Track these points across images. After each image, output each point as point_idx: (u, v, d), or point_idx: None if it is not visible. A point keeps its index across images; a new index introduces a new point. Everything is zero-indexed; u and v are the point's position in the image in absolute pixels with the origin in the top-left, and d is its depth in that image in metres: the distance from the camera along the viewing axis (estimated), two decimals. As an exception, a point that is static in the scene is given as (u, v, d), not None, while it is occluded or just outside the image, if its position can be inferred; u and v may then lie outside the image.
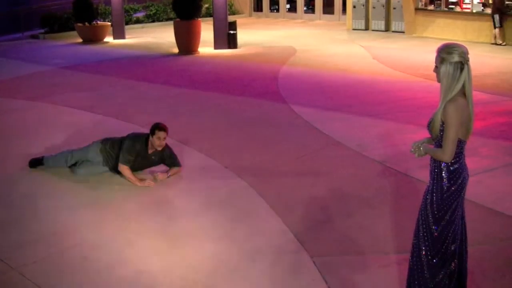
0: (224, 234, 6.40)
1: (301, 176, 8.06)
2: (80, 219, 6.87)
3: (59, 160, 8.42)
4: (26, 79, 15.98)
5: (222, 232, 6.45)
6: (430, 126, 4.36)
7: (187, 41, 20.01)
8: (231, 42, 20.68)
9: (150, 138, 7.82)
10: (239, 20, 26.00)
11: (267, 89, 13.75)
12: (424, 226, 4.44)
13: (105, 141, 8.23)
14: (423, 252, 4.46)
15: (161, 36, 24.71)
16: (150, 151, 7.95)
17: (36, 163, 8.54)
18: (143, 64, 18.15)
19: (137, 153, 7.88)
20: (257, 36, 24.28)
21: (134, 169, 8.02)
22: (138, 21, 29.41)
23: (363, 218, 6.70)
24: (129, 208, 7.19)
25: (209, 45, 20.85)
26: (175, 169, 8.14)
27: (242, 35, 22.43)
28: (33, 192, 7.74)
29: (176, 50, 20.44)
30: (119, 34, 24.43)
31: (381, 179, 7.90)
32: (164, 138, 7.82)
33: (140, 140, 7.91)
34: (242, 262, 5.77)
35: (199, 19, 20.42)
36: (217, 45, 20.67)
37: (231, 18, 22.18)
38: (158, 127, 7.78)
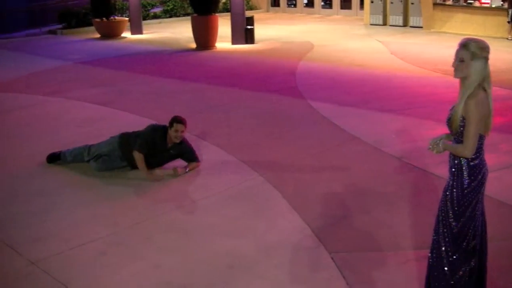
0: (242, 230, 6.38)
1: (319, 172, 8.03)
2: (96, 214, 6.89)
3: (76, 155, 8.45)
4: (43, 75, 16.05)
5: (239, 228, 6.43)
6: (449, 121, 4.30)
7: (204, 36, 20.01)
8: (249, 37, 20.64)
9: (169, 130, 7.87)
10: (257, 15, 25.98)
11: (285, 84, 13.72)
12: (444, 222, 4.39)
13: (123, 135, 8.25)
14: (443, 249, 4.41)
15: (178, 31, 24.73)
16: (168, 144, 7.96)
17: (54, 158, 8.57)
18: (160, 59, 18.17)
19: (155, 145, 7.90)
20: (275, 31, 24.22)
21: (153, 164, 8.04)
22: (155, 16, 29.45)
23: (381, 214, 6.66)
24: (146, 203, 7.19)
25: (226, 40, 20.83)
26: (193, 164, 8.16)
27: (260, 30, 22.40)
28: (49, 187, 7.76)
29: (193, 45, 20.44)
30: (136, 29, 24.48)
31: (399, 175, 7.85)
32: (182, 131, 7.87)
33: (159, 131, 7.95)
34: (259, 258, 5.75)
35: (217, 14, 20.41)
36: (234, 40, 20.64)
37: (248, 13, 22.16)
38: (176, 119, 7.86)
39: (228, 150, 9.00)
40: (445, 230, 4.39)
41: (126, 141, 8.11)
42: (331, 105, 11.56)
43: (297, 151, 8.89)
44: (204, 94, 13.06)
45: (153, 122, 10.12)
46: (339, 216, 6.64)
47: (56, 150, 8.83)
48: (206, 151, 9.00)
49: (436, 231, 4.48)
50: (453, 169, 4.34)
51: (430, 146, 4.47)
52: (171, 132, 7.84)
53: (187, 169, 8.06)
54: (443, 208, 4.40)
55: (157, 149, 7.95)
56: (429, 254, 4.57)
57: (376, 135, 9.55)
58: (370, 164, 8.31)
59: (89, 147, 8.40)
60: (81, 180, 8.03)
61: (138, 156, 7.89)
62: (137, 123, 9.76)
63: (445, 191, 4.41)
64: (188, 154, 8.16)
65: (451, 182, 4.37)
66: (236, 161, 8.56)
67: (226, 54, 18.79)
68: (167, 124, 7.95)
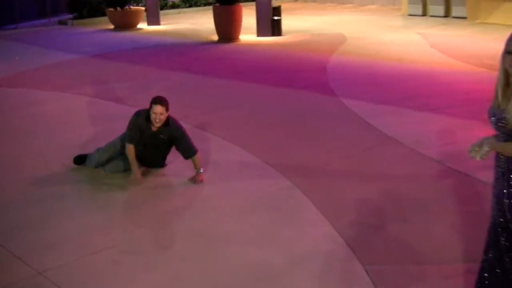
0: (267, 238, 6.38)
1: (352, 176, 8.00)
2: (111, 221, 6.92)
3: (91, 162, 8.49)
4: (53, 69, 16.18)
5: (265, 236, 6.43)
6: (502, 122, 4.15)
7: (227, 28, 20.04)
8: (275, 29, 20.63)
9: (150, 112, 7.85)
10: (284, 5, 25.97)
11: (315, 80, 13.70)
12: (505, 235, 4.27)
13: (123, 134, 8.31)
14: (509, 265, 4.28)
15: (199, 22, 24.80)
16: (154, 128, 7.91)
17: (80, 160, 8.60)
18: (180, 52, 18.23)
19: (141, 131, 7.92)
20: (304, 22, 24.20)
21: (149, 153, 8.09)
22: (174, 6, 29.57)
23: (420, 223, 6.61)
24: (164, 210, 7.21)
25: (251, 32, 20.84)
26: (195, 161, 8.03)
27: (287, 21, 22.38)
28: (60, 190, 7.82)
29: (215, 37, 20.48)
30: (153, 20, 24.58)
31: (440, 180, 7.80)
32: (162, 114, 7.77)
33: (142, 115, 7.96)
34: (287, 270, 5.74)
35: (241, 4, 20.42)
36: (260, 32, 20.65)
37: (275, 3, 22.12)
38: (153, 100, 7.82)
39: (253, 151, 9.01)
40: (508, 243, 4.27)
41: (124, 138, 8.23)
42: (366, 103, 11.52)
43: (328, 153, 8.87)
44: (227, 90, 13.09)
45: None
46: (374, 224, 6.61)
47: (66, 150, 8.90)
48: (229, 152, 9.02)
49: (494, 247, 4.32)
50: (509, 173, 4.18)
51: (472, 154, 4.28)
52: (152, 116, 7.79)
53: (201, 172, 8.01)
54: (501, 219, 4.24)
55: (145, 135, 7.95)
56: (486, 273, 4.42)
57: (415, 136, 9.50)
58: (408, 167, 8.26)
59: (99, 151, 8.46)
60: (95, 183, 8.08)
61: (129, 150, 7.98)
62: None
63: (498, 199, 4.25)
64: (182, 142, 8.02)
65: (506, 189, 4.19)
66: (261, 163, 8.55)
67: (250, 47, 18.80)
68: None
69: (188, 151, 8.05)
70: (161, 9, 26.56)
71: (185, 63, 16.42)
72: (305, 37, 20.32)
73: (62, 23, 26.19)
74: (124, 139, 8.16)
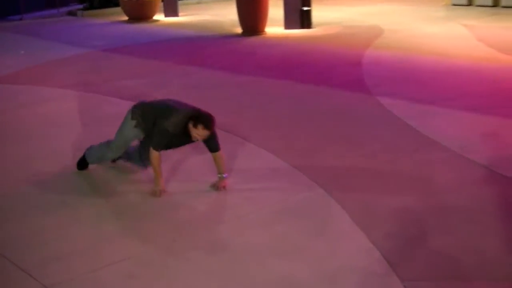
0: (296, 251, 6.38)
1: (390, 183, 7.99)
2: (125, 230, 6.97)
3: (101, 155, 8.52)
4: (61, 64, 16.31)
5: (293, 249, 6.44)
6: None
7: (252, 19, 20.07)
8: (305, 20, 20.63)
9: (189, 125, 7.52)
10: (314, -6, 25.96)
11: (349, 77, 13.69)
12: None
13: (135, 112, 8.04)
14: None
15: (221, 14, 24.87)
16: (191, 139, 7.74)
17: (83, 164, 8.66)
18: (200, 46, 18.30)
19: (176, 139, 7.76)
20: (336, 13, 24.19)
21: (170, 146, 7.95)
22: (193, -5, 29.71)
23: (465, 235, 6.58)
24: (183, 218, 7.24)
25: (278, 24, 20.86)
26: (219, 163, 7.91)
27: (318, 12, 22.38)
28: (70, 197, 7.88)
29: (239, 30, 20.53)
30: (171, 10, 24.69)
31: (487, 188, 7.75)
32: (203, 137, 7.63)
33: (180, 124, 7.57)
34: (319, 285, 5.74)
35: (266, -7, 20.49)
36: (287, 25, 20.66)
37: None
38: (205, 123, 7.50)
39: (280, 155, 9.02)
40: None
41: (142, 118, 7.92)
42: (405, 102, 11.50)
43: (364, 158, 8.86)
44: (252, 88, 13.12)
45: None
46: (414, 236, 6.59)
47: (76, 152, 8.97)
48: (255, 156, 9.04)
49: None
50: None
51: None
52: (192, 131, 7.52)
53: (224, 176, 7.95)
54: None
55: (175, 141, 7.86)
56: None
57: (459, 139, 9.46)
58: (452, 173, 8.23)
59: (109, 145, 8.40)
60: (108, 189, 8.14)
61: (153, 157, 7.69)
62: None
63: None
64: (211, 139, 7.80)
65: None
66: (289, 168, 8.57)
67: (278, 40, 18.83)
68: (193, 111, 7.68)
69: (213, 146, 7.85)
70: (180, -1, 26.71)
71: (206, 58, 16.48)
72: (338, 30, 20.31)
73: (72, 14, 26.40)
74: (133, 126, 7.98)
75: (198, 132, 7.49)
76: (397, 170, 8.42)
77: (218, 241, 6.65)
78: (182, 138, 7.77)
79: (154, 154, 7.68)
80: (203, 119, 7.53)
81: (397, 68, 14.48)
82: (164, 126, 7.59)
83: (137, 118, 7.94)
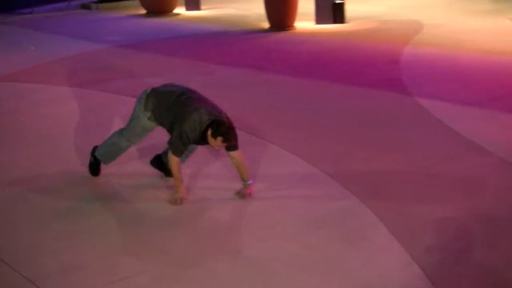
0: (328, 265, 6.37)
1: (430, 191, 7.95)
2: (142, 240, 6.99)
3: (114, 148, 8.45)
4: (74, 61, 16.39)
5: (324, 261, 6.43)
6: None
7: (280, 13, 20.03)
8: (338, 15, 20.58)
9: (208, 134, 7.48)
10: (348, -15, 25.93)
11: (385, 76, 13.65)
12: None
13: (147, 103, 7.99)
14: None
15: (246, 7, 24.87)
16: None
17: (95, 166, 8.64)
18: (223, 42, 18.32)
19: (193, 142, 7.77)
20: (371, 6, 24.11)
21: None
22: (217, -13, 29.77)
23: (513, 248, 6.57)
24: (204, 227, 7.25)
25: (308, 18, 20.83)
26: (240, 164, 7.86)
27: (352, 6, 22.31)
28: (83, 205, 7.92)
29: (266, 24, 20.52)
30: (193, 4, 24.73)
31: (538, 197, 7.73)
32: (221, 147, 7.66)
33: (198, 129, 7.51)
34: (351, 302, 5.74)
35: (296, -16, 20.49)
36: (319, 19, 20.61)
37: (337, -17, 22.14)
38: (225, 136, 7.46)
39: (311, 161, 9.01)
40: None
41: (156, 110, 7.90)
42: (447, 104, 11.45)
43: (402, 163, 8.83)
44: (280, 88, 13.12)
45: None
46: (457, 249, 6.56)
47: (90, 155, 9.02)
48: (283, 162, 9.04)
49: None
50: None
51: None
52: (210, 140, 7.49)
53: (247, 192, 7.92)
54: None
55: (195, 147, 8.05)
56: None
57: (506, 143, 9.41)
58: (498, 181, 8.17)
59: (123, 134, 8.36)
60: (123, 195, 8.17)
61: (173, 163, 7.67)
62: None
63: None
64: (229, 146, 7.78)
65: None
66: (321, 175, 8.55)
67: (308, 36, 18.81)
68: (209, 117, 7.54)
69: (231, 148, 7.78)
70: (202, -10, 26.76)
71: (230, 55, 16.50)
72: (373, 25, 20.26)
73: (85, 7, 26.50)
74: (147, 118, 7.97)
75: (216, 143, 7.50)
76: (438, 177, 8.39)
77: (243, 252, 6.65)
78: (199, 142, 7.79)
79: (173, 159, 7.67)
80: (224, 131, 7.46)
81: (438, 66, 14.41)
82: (184, 132, 7.54)
83: (150, 110, 7.93)
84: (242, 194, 7.91)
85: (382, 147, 9.50)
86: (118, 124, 10.77)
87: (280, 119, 10.98)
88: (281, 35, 19.17)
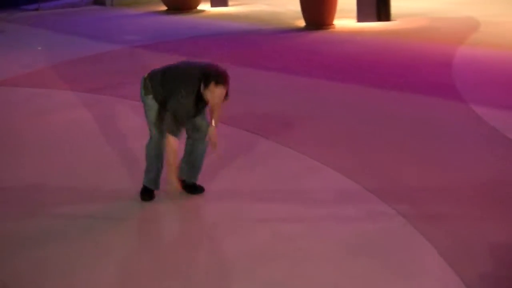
0: (372, 293, 6.39)
1: (487, 212, 7.89)
2: (162, 263, 7.01)
3: (156, 151, 8.37)
4: (86, 63, 16.51)
5: (368, 290, 6.45)
6: None
7: (317, 10, 20.08)
8: (382, 11, 20.60)
9: (202, 88, 7.74)
10: (394, -22, 25.92)
11: (436, 80, 13.62)
12: None
13: (146, 86, 8.29)
14: None
15: (279, 3, 24.94)
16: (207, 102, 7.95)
17: (149, 192, 8.53)
18: (253, 42, 18.37)
19: (193, 111, 7.91)
20: (420, 2, 24.09)
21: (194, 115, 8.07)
22: (246, -20, 29.87)
23: None
24: (232, 251, 7.25)
25: (349, 15, 20.87)
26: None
27: (398, 2, 22.33)
28: (96, 224, 7.95)
29: (301, 22, 20.56)
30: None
31: None
32: (220, 98, 7.82)
33: (190, 95, 7.76)
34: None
35: (336, -23, 20.52)
36: (361, 16, 20.65)
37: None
38: (215, 79, 7.70)
39: (351, 175, 9.00)
40: None
41: (153, 89, 8.15)
42: (507, 113, 11.41)
43: (454, 180, 8.78)
44: (317, 94, 13.13)
45: (243, 132, 10.31)
46: (516, 278, 6.54)
47: (104, 169, 9.05)
48: (318, 176, 9.04)
49: None
50: None
51: None
52: (206, 94, 7.72)
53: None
54: None
55: (191, 113, 8.00)
56: None
57: None
58: None
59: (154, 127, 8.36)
60: (138, 214, 8.21)
61: (170, 143, 7.77)
62: (222, 133, 9.80)
63: None
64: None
65: None
66: (362, 191, 8.54)
67: (349, 36, 18.82)
68: (199, 74, 7.79)
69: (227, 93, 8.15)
70: (229, -16, 26.86)
71: (260, 57, 16.53)
72: (423, 23, 20.23)
73: (99, 2, 26.72)
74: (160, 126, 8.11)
75: (212, 93, 7.69)
76: (497, 196, 8.33)
77: (274, 279, 6.64)
78: (199, 104, 7.93)
79: (170, 140, 7.78)
80: (213, 75, 7.74)
81: (496, 69, 14.37)
82: (177, 103, 7.77)
83: (151, 93, 8.18)
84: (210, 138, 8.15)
85: (432, 161, 9.48)
86: (134, 135, 10.81)
87: (317, 129, 10.99)
88: (319, 34, 19.21)
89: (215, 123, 8.18)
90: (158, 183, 8.41)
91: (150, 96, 8.13)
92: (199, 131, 8.21)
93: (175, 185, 7.94)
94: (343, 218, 7.85)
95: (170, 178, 7.94)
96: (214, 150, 8.27)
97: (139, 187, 8.52)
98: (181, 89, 7.75)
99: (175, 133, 7.76)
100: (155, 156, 8.31)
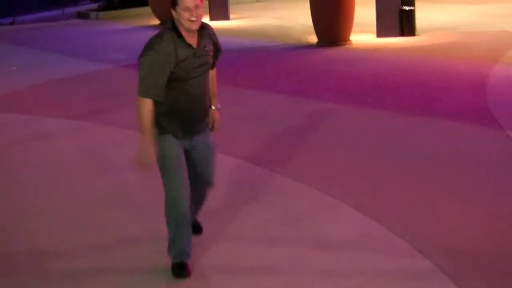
0: None
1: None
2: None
3: (173, 213, 7.89)
4: (68, 85, 16.54)
5: None
6: None
7: (331, 24, 20.12)
8: (406, 25, 20.62)
9: (174, 16, 7.38)
10: (419, -13, 25.98)
11: (468, 104, 13.64)
12: None
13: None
14: None
15: (287, 16, 25.01)
16: (190, 40, 7.46)
17: (183, 267, 7.91)
18: (260, 61, 18.40)
19: (169, 61, 7.36)
20: (448, 14, 24.13)
21: (200, 96, 7.63)
22: (250, -10, 29.97)
23: None
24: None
25: (367, 29, 20.92)
26: (212, 74, 7.94)
27: (424, 13, 22.37)
28: (85, 271, 7.94)
29: (313, 38, 20.61)
30: (219, 12, 24.92)
31: None
32: (197, 7, 7.33)
33: (164, 34, 7.42)
34: None
35: (353, -14, 20.57)
36: (381, 31, 20.68)
37: (405, -15, 22.21)
38: None
39: (371, 214, 8.96)
40: None
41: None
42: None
43: (492, 221, 8.70)
44: (332, 120, 13.15)
45: (247, 164, 10.33)
46: None
47: (93, 205, 9.03)
48: (334, 215, 9.01)
49: None
50: None
51: None
52: (180, 14, 7.30)
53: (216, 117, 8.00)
54: None
55: (184, 65, 7.44)
56: None
57: None
58: None
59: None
60: (139, 262, 8.19)
61: (142, 107, 7.47)
62: (223, 166, 9.80)
63: None
64: (218, 45, 7.90)
65: None
66: (386, 234, 8.49)
67: (367, 53, 18.86)
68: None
69: (218, 57, 8.00)
70: (232, -5, 26.93)
71: (266, 77, 16.54)
72: (452, 38, 20.26)
73: (82, 16, 26.83)
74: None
75: (186, 3, 7.24)
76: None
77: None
78: (188, 52, 7.44)
79: (143, 104, 7.47)
80: None
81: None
82: (147, 51, 7.45)
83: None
84: (214, 120, 7.98)
85: (464, 196, 9.43)
86: (123, 168, 10.79)
87: (333, 160, 10.98)
88: (333, 51, 19.24)
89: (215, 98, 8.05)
90: (189, 251, 7.74)
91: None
92: (201, 182, 7.90)
93: (150, 159, 7.41)
94: (363, 262, 7.80)
95: (145, 146, 7.42)
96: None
97: (141, 229, 8.53)
98: (150, 46, 7.43)
99: (150, 92, 7.42)
100: (178, 218, 7.63)
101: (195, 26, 7.36)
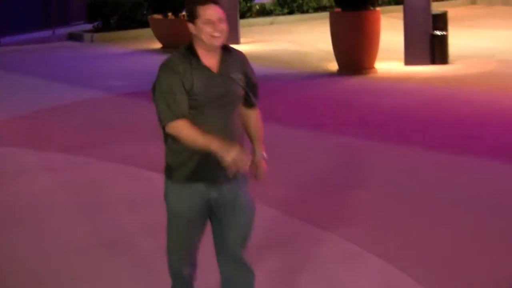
0: None
1: None
2: None
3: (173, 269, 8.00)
4: (59, 115, 16.56)
5: None
6: None
7: (354, 50, 20.15)
8: (437, 51, 20.63)
9: (193, 31, 7.12)
10: (452, 10, 25.79)
11: (508, 142, 13.62)
12: None
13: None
14: None
15: (305, 40, 25.05)
16: (207, 60, 7.18)
17: None
18: (274, 91, 18.39)
19: (186, 82, 7.08)
20: (485, 40, 24.16)
21: (231, 122, 7.28)
22: (263, 12, 30.04)
23: None
24: None
25: (395, 56, 20.94)
26: (258, 123, 7.71)
27: (457, 39, 22.40)
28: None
29: (333, 66, 20.62)
30: (229, 34, 24.66)
31: None
32: (220, 20, 7.08)
33: (176, 52, 7.29)
34: None
35: (377, 8, 20.54)
36: (410, 58, 20.67)
37: (437, 7, 22.18)
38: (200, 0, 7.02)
39: (401, 266, 8.93)
40: None
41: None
42: None
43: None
44: (352, 157, 13.18)
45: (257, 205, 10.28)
46: None
47: (89, 252, 9.06)
48: (357, 264, 9.01)
49: None
50: None
51: None
52: (201, 29, 7.01)
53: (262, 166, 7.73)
54: None
55: (206, 87, 7.11)
56: None
57: None
58: None
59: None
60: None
61: (181, 131, 6.96)
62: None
63: None
64: (251, 77, 7.41)
65: None
66: (414, 285, 8.47)
67: (394, 83, 18.86)
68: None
69: (256, 93, 7.48)
70: (242, 17, 26.97)
71: (282, 109, 16.55)
72: (490, 67, 20.27)
73: (75, 37, 26.88)
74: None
75: (207, 17, 6.98)
76: None
77: None
78: (200, 74, 7.11)
79: (177, 127, 7.01)
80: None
81: None
82: (161, 75, 7.24)
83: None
84: (256, 171, 7.68)
85: (506, 249, 9.40)
86: (119, 209, 10.80)
87: (355, 203, 10.97)
88: (356, 81, 19.27)
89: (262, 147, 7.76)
90: None
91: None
92: (225, 254, 7.31)
93: (235, 151, 6.82)
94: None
95: (217, 147, 6.82)
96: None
97: (142, 281, 8.51)
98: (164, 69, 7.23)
99: (176, 111, 6.96)
100: (182, 285, 7.42)
101: (218, 42, 7.07)
